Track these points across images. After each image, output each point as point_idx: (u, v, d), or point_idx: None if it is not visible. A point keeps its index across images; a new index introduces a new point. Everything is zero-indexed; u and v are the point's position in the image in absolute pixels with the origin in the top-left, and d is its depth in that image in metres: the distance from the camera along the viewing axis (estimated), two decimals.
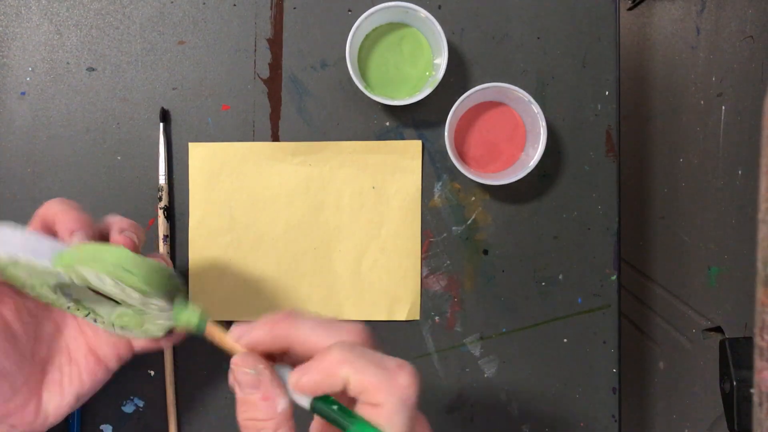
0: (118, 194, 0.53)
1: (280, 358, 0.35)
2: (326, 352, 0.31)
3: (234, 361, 0.33)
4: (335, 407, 0.32)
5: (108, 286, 0.36)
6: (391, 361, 0.31)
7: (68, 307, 0.39)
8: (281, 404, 0.32)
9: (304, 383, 0.32)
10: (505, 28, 0.53)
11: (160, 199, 0.52)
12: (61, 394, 0.41)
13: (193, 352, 0.53)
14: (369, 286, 0.53)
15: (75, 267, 0.36)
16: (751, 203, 0.67)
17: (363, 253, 0.53)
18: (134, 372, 0.53)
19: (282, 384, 0.33)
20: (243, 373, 0.33)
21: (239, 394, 0.33)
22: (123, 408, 0.53)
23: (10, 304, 0.39)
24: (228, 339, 0.34)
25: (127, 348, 0.42)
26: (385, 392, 0.30)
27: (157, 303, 0.37)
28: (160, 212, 0.52)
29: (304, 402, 0.33)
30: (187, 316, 0.37)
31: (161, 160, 0.52)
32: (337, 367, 0.31)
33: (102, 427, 0.53)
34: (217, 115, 0.53)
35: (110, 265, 0.36)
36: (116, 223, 0.40)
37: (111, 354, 0.42)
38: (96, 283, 0.36)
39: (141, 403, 0.53)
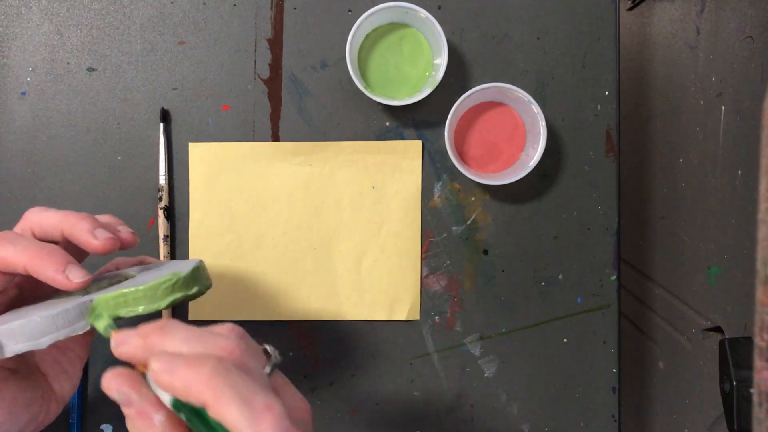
0: (118, 194, 0.53)
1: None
2: (199, 364, 0.29)
3: (103, 380, 0.32)
4: (194, 415, 0.30)
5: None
6: (260, 400, 0.29)
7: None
8: (157, 418, 0.31)
9: (163, 381, 0.30)
10: (505, 28, 0.53)
11: (160, 199, 0.52)
12: (69, 378, 0.41)
13: None
14: (369, 286, 0.53)
15: (113, 317, 0.36)
16: (751, 203, 0.67)
17: (363, 253, 0.53)
18: None
19: (155, 398, 0.31)
20: (111, 393, 0.32)
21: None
22: None
23: None
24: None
25: None
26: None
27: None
28: (160, 212, 0.52)
29: (165, 399, 0.31)
30: (97, 322, 0.37)
31: (161, 160, 0.52)
32: (201, 387, 0.29)
33: (102, 426, 0.53)
34: (217, 115, 0.53)
35: (143, 299, 0.36)
36: (76, 224, 0.37)
37: None
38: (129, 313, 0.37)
39: None
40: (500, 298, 0.54)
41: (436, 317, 0.54)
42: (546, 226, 0.54)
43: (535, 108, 0.50)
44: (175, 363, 0.30)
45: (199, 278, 0.39)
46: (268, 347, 0.35)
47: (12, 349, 0.34)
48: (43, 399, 0.39)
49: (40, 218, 0.38)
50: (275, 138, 0.53)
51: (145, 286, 0.36)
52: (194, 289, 0.38)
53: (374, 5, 0.49)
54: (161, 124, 0.52)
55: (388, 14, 0.50)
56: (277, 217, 0.53)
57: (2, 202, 0.53)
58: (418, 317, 0.54)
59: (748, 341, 0.60)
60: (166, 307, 0.37)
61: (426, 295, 0.54)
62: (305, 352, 0.53)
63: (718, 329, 0.74)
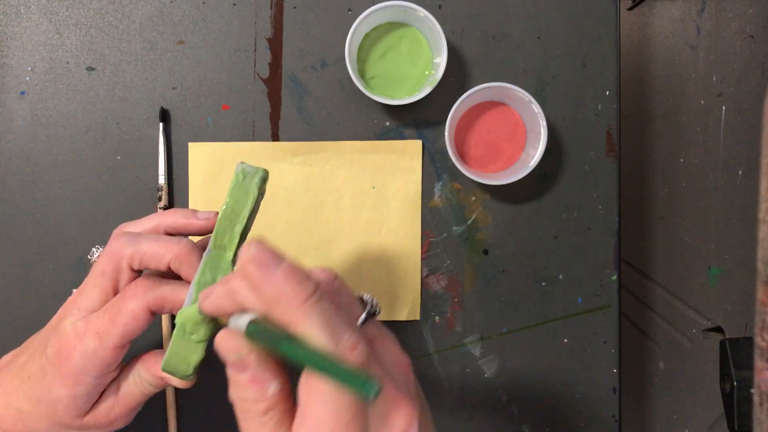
0: (118, 194, 0.53)
1: None
2: (298, 280, 0.28)
3: (217, 339, 0.30)
4: (269, 343, 0.28)
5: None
6: (348, 337, 0.28)
7: None
8: (272, 388, 0.29)
9: (258, 283, 0.29)
10: (505, 28, 0.53)
11: (160, 198, 0.52)
12: (117, 406, 0.41)
13: None
14: (369, 286, 0.53)
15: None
16: (751, 203, 0.67)
17: (363, 253, 0.53)
18: None
19: (272, 365, 0.30)
20: (226, 352, 0.29)
21: (228, 371, 0.30)
22: None
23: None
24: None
25: None
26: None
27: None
28: (160, 212, 0.52)
29: (241, 323, 0.30)
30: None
31: (161, 160, 0.52)
32: (292, 305, 0.28)
33: None
34: (217, 114, 0.53)
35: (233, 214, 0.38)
36: (172, 216, 0.40)
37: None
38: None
39: None
40: (500, 298, 0.54)
41: (437, 317, 0.54)
42: (546, 226, 0.54)
43: (536, 108, 0.50)
44: (272, 269, 0.28)
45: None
46: (365, 296, 0.33)
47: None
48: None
49: (138, 233, 0.38)
50: (275, 138, 0.53)
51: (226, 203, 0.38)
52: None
53: (373, 4, 0.49)
54: (161, 124, 0.52)
55: (387, 13, 0.50)
56: (276, 217, 0.53)
57: (1, 201, 0.52)
58: (418, 317, 0.53)
59: (749, 341, 0.60)
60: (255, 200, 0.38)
61: (426, 295, 0.54)
62: None
63: (718, 329, 0.74)
